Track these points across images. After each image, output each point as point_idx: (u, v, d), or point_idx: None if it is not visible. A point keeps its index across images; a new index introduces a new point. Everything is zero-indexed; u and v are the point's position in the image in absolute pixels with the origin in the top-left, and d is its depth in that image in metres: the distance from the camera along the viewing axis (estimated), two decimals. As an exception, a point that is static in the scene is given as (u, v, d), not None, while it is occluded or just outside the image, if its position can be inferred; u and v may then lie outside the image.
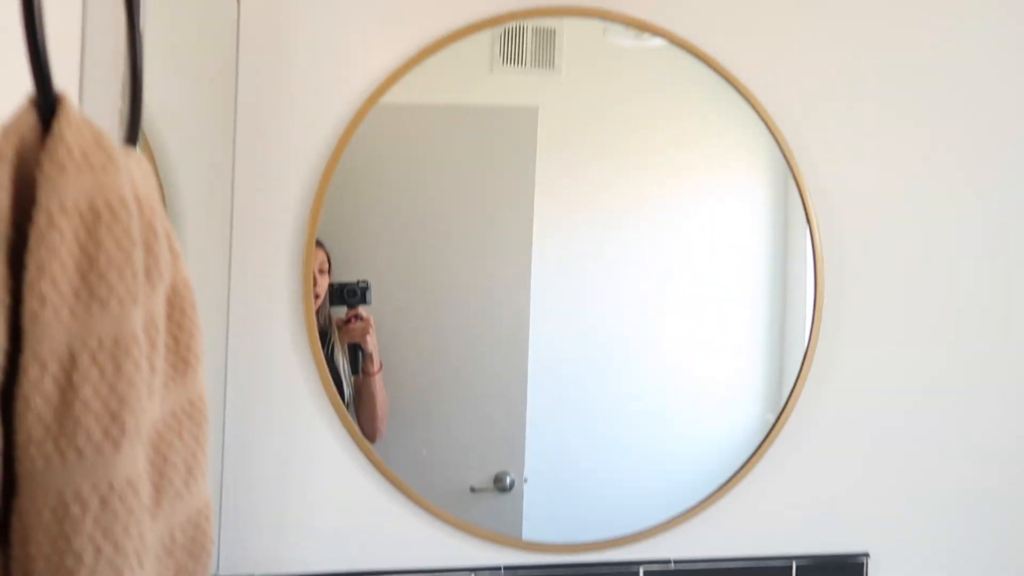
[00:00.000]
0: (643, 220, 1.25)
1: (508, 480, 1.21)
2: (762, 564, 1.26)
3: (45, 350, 0.38)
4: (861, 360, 1.29)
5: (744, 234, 1.27)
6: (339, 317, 1.18)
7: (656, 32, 1.24)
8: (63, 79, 0.58)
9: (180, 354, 0.47)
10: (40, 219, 0.38)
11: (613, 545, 1.22)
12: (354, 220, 1.19)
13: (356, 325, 1.18)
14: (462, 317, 1.21)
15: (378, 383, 1.19)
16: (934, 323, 1.31)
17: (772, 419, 1.26)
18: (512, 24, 1.21)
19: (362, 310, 1.18)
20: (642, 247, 1.25)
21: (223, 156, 1.10)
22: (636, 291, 1.25)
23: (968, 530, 1.32)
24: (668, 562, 1.24)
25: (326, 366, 1.16)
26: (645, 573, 1.23)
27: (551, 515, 1.22)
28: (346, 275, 1.18)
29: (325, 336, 1.18)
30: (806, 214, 1.27)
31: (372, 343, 1.19)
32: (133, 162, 0.46)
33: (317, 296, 1.17)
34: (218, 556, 1.12)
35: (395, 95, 1.18)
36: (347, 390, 1.18)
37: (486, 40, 1.21)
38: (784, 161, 1.26)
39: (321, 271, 1.18)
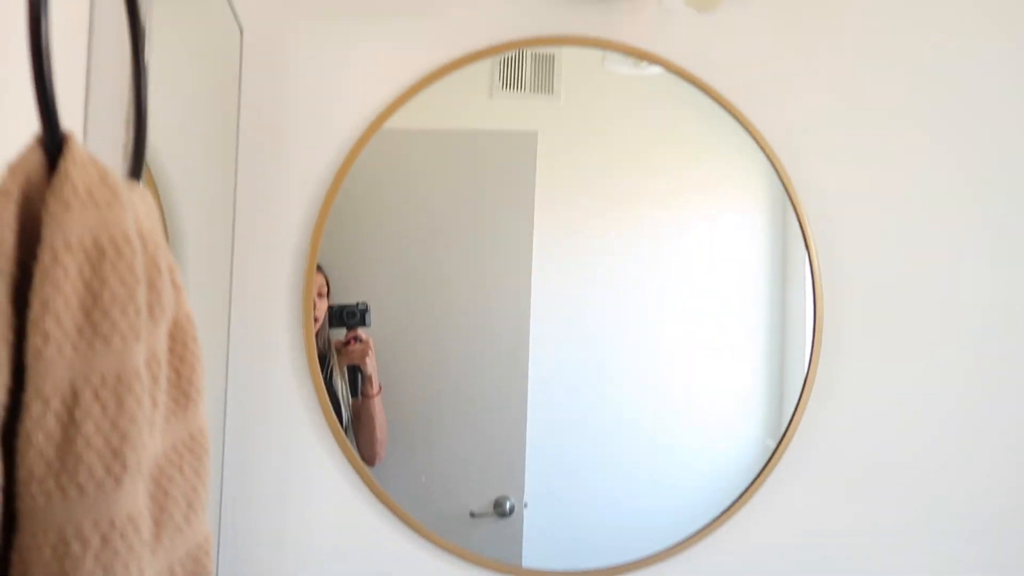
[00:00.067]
0: (642, 243, 1.26)
1: (508, 505, 1.21)
2: (763, 590, 1.25)
3: (48, 387, 0.38)
4: (861, 387, 1.29)
5: (742, 257, 1.28)
6: (338, 339, 1.19)
7: (654, 60, 1.25)
8: (68, 111, 0.59)
9: (181, 388, 0.48)
10: (45, 256, 0.38)
11: (614, 572, 1.21)
12: (354, 243, 1.20)
13: (355, 347, 1.18)
14: (462, 340, 1.21)
15: (377, 405, 1.19)
16: (934, 348, 1.31)
17: (772, 445, 1.26)
18: (512, 51, 1.23)
19: (361, 332, 1.18)
20: (641, 269, 1.26)
21: (225, 185, 1.11)
22: (636, 314, 1.25)
23: (970, 558, 1.31)
24: (669, 589, 1.23)
25: (326, 392, 1.16)
26: (646, 600, 1.22)
27: (551, 541, 1.22)
28: (346, 298, 1.19)
29: (324, 359, 1.18)
30: (804, 238, 1.27)
31: (371, 365, 1.19)
32: (137, 197, 0.46)
33: (316, 319, 1.17)
34: (216, 582, 1.12)
35: (396, 121, 1.19)
36: (345, 414, 1.18)
37: (486, 66, 1.22)
38: (781, 185, 1.27)
39: (320, 295, 1.18)
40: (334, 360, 1.19)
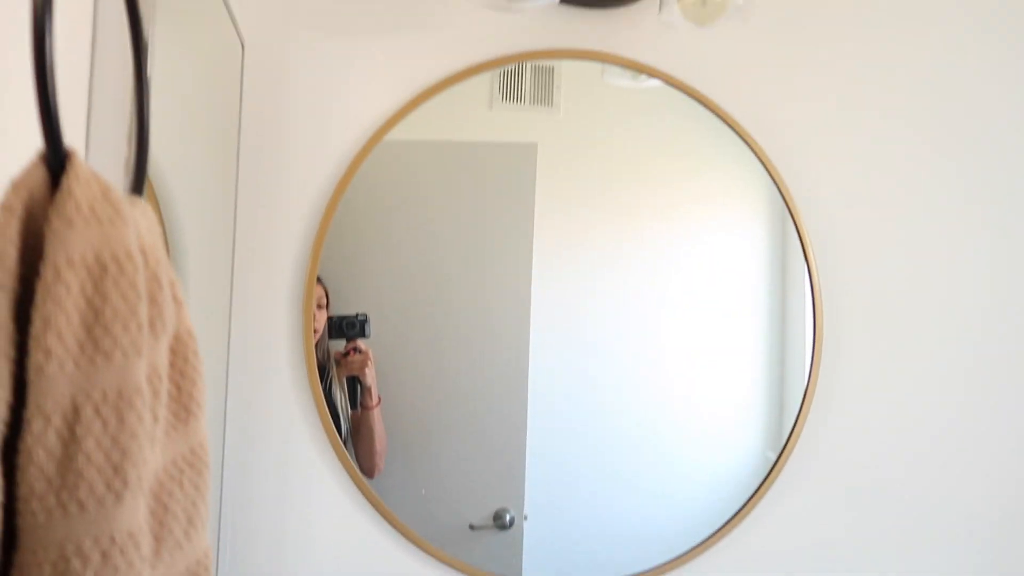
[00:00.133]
0: (642, 254, 1.26)
1: (508, 517, 1.20)
2: (764, 603, 1.25)
3: (49, 403, 0.38)
4: (862, 397, 1.29)
5: (741, 267, 1.28)
6: (337, 351, 1.19)
7: (653, 73, 1.26)
8: (70, 125, 0.59)
9: (182, 402, 0.48)
10: (47, 273, 0.38)
11: (614, 584, 1.21)
12: (354, 254, 1.20)
13: (355, 358, 1.18)
14: (461, 351, 1.21)
15: (376, 417, 1.18)
16: (935, 358, 1.31)
17: (773, 457, 1.25)
18: (512, 64, 1.23)
19: (361, 343, 1.18)
20: (641, 280, 1.26)
21: (225, 198, 1.11)
22: (636, 325, 1.25)
23: (973, 567, 1.31)
24: (670, 601, 1.23)
25: (326, 405, 1.16)
26: (646, 612, 1.21)
27: (552, 553, 1.21)
28: (346, 309, 1.19)
29: (323, 371, 1.18)
30: (803, 248, 1.28)
31: (371, 376, 1.18)
32: (139, 212, 0.46)
33: (315, 331, 1.17)
34: (214, 595, 1.11)
35: (396, 132, 1.19)
36: (344, 426, 1.18)
37: (486, 78, 1.23)
38: (780, 196, 1.28)
39: (319, 306, 1.18)
40: (333, 371, 1.19)
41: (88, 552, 0.38)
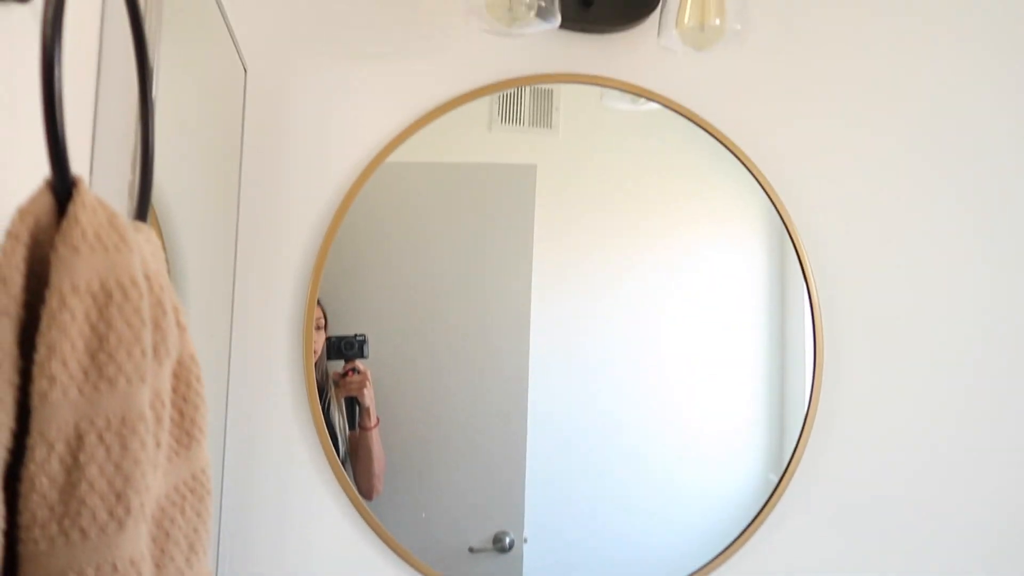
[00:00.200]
0: (641, 274, 1.27)
1: (508, 540, 1.19)
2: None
3: (52, 430, 0.38)
4: (863, 419, 1.29)
5: (741, 288, 1.28)
6: (336, 371, 1.18)
7: (652, 97, 1.27)
8: (74, 149, 0.59)
9: (185, 428, 0.48)
10: (52, 300, 0.39)
11: (614, 607, 1.20)
12: (354, 274, 1.20)
13: (353, 378, 1.18)
14: (461, 372, 1.21)
15: (375, 438, 1.18)
16: (936, 378, 1.31)
17: (775, 479, 1.25)
18: (512, 87, 1.25)
19: (359, 363, 1.18)
20: (640, 302, 1.26)
21: (227, 222, 1.12)
22: (636, 346, 1.25)
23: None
24: (670, 625, 1.21)
25: (325, 429, 1.16)
26: (647, 636, 1.20)
27: (551, 577, 1.20)
28: (346, 330, 1.18)
29: (322, 391, 1.17)
30: (802, 269, 1.28)
31: (369, 397, 1.18)
32: (143, 238, 0.47)
33: (314, 352, 1.17)
34: (211, 620, 1.10)
35: (396, 155, 1.20)
36: (342, 447, 1.18)
37: (485, 100, 1.24)
38: (778, 217, 1.28)
39: (317, 327, 1.18)
40: (332, 392, 1.18)
41: (90, 580, 0.38)
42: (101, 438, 0.39)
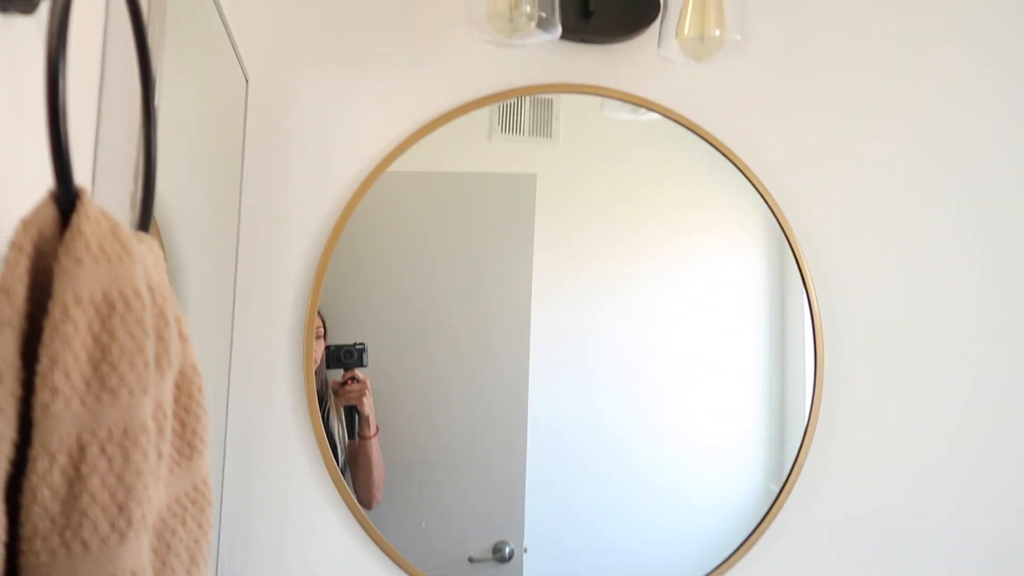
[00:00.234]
0: (641, 283, 1.27)
1: (507, 550, 1.19)
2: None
3: (55, 442, 0.38)
4: (864, 428, 1.29)
5: (741, 298, 1.28)
6: (335, 380, 1.18)
7: (652, 107, 1.27)
8: (77, 159, 0.59)
9: (186, 439, 0.47)
10: (55, 312, 0.38)
11: (614, 618, 1.20)
12: (354, 283, 1.20)
13: (353, 387, 1.18)
14: (461, 381, 1.21)
15: (374, 447, 1.18)
16: (937, 388, 1.31)
17: (776, 489, 1.25)
18: (513, 97, 1.25)
19: (359, 372, 1.18)
20: (641, 310, 1.26)
21: (227, 232, 1.12)
22: (636, 355, 1.25)
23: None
24: (671, 635, 1.21)
25: (326, 438, 1.16)
26: (647, 647, 1.20)
27: (551, 587, 1.20)
28: (346, 338, 1.18)
29: (321, 400, 1.17)
30: (802, 279, 1.28)
31: (368, 405, 1.18)
32: (145, 248, 0.47)
33: (314, 361, 1.17)
34: (209, 630, 1.10)
35: (396, 164, 1.21)
36: (341, 456, 1.17)
37: (485, 110, 1.24)
38: (778, 227, 1.29)
39: (317, 336, 1.18)
40: (331, 401, 1.18)
41: (91, 593, 0.38)
42: (103, 449, 0.39)
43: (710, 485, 1.25)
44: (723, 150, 1.28)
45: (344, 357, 1.18)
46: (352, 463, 1.17)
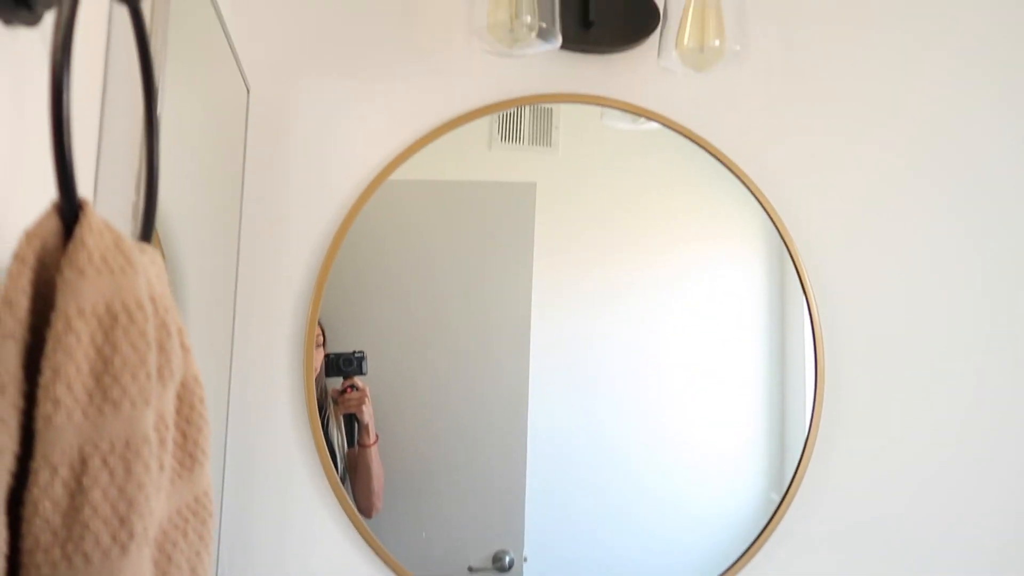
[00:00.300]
0: (641, 292, 1.27)
1: (508, 559, 1.19)
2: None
3: (56, 454, 0.38)
4: (865, 436, 1.29)
5: (741, 306, 1.28)
6: (335, 388, 1.18)
7: (652, 117, 1.28)
8: (80, 170, 0.60)
9: (188, 450, 0.47)
10: (58, 323, 0.38)
11: (615, 627, 1.19)
12: (355, 291, 1.20)
13: (352, 395, 1.18)
14: (460, 389, 1.21)
15: (374, 455, 1.18)
16: (938, 397, 1.31)
17: (777, 498, 1.25)
18: (513, 106, 1.26)
19: (358, 380, 1.18)
20: (641, 318, 1.26)
21: (228, 241, 1.12)
22: (636, 363, 1.25)
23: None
24: (671, 645, 1.21)
25: (326, 448, 1.15)
26: (648, 657, 1.19)
27: (551, 596, 1.20)
28: (346, 347, 1.18)
29: (321, 409, 1.17)
30: (802, 287, 1.28)
31: (368, 413, 1.18)
32: (147, 259, 0.47)
33: (314, 369, 1.17)
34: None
35: (397, 173, 1.21)
36: (340, 464, 1.17)
37: (485, 119, 1.25)
38: (778, 235, 1.29)
39: (316, 344, 1.18)
40: (330, 409, 1.18)
41: (92, 606, 0.38)
42: (105, 462, 0.39)
43: (711, 494, 1.25)
44: (723, 159, 1.28)
45: (343, 365, 1.18)
46: (352, 471, 1.17)
